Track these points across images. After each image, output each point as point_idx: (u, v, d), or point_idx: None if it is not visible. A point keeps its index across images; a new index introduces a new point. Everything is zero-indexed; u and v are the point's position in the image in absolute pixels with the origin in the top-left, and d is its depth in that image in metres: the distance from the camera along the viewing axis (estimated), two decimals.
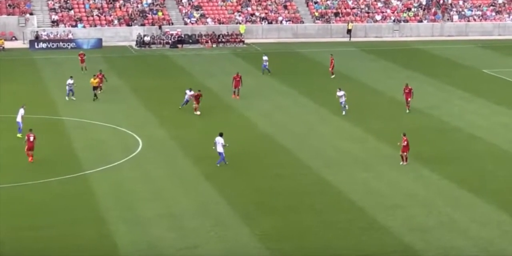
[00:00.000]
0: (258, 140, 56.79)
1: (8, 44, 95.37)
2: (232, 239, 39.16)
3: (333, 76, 78.63)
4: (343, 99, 63.40)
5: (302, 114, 64.32)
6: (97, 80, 67.99)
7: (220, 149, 49.75)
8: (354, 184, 47.03)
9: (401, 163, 50.23)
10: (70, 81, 67.84)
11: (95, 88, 67.77)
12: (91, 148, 54.24)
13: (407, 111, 63.83)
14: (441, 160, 51.91)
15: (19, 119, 56.11)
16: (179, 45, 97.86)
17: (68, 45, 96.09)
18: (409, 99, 64.06)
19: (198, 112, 62.80)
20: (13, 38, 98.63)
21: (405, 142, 49.95)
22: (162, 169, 50.14)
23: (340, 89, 63.94)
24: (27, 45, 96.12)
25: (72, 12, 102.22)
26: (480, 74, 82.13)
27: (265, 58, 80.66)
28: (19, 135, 55.25)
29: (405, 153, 50.34)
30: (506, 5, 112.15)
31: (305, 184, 47.05)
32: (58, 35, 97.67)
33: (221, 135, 50.08)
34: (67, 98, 67.64)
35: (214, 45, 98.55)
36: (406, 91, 64.37)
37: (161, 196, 45.23)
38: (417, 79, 78.73)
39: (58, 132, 57.86)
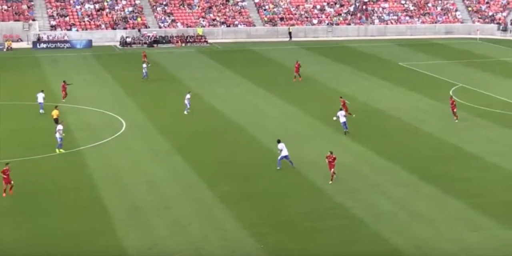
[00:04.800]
0: (219, 121, 56.63)
1: (15, 45, 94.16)
2: (199, 201, 39.13)
3: (149, 65, 74.75)
4: (187, 102, 57.71)
5: (254, 100, 64.19)
6: (56, 112, 52.85)
7: (284, 153, 44.14)
8: (297, 156, 47.04)
9: (330, 182, 41.64)
10: (40, 94, 58.22)
11: (56, 120, 51.95)
12: (84, 129, 53.78)
13: (456, 120, 55.79)
14: (366, 135, 52.14)
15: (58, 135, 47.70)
16: (155, 45, 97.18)
17: (64, 45, 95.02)
18: (455, 110, 55.84)
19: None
20: (19, 40, 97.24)
21: (333, 160, 41.59)
22: (142, 145, 49.88)
23: (189, 92, 59.09)
24: (30, 46, 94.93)
25: (67, 18, 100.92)
26: (396, 66, 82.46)
27: (144, 65, 73.09)
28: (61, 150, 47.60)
29: (332, 170, 41.62)
30: (416, 11, 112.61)
31: (257, 157, 47.05)
32: (56, 37, 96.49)
33: (278, 141, 44.80)
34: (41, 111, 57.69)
35: (183, 44, 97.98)
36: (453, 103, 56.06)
37: (141, 167, 45.02)
38: (346, 70, 79.05)
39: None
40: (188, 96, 58.54)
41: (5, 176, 38.97)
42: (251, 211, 37.67)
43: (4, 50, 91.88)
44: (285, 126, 55.06)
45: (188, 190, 40.76)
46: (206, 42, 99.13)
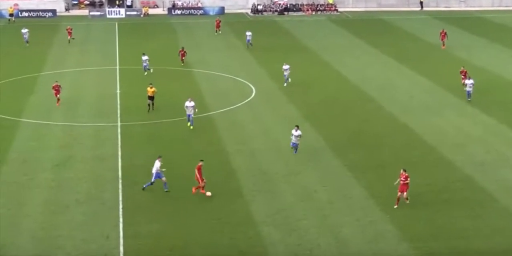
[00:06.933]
0: (347, 90, 56.13)
1: (151, 11, 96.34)
2: (327, 168, 39.04)
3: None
4: (287, 72, 56.33)
5: (384, 69, 63.25)
6: (153, 89, 49.21)
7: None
8: (425, 127, 46.19)
9: (395, 206, 34.05)
10: (144, 57, 60.18)
11: (150, 97, 49.20)
12: (215, 94, 54.45)
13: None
14: (497, 107, 50.48)
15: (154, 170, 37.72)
16: (285, 13, 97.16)
17: (198, 12, 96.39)
18: (464, 81, 53.32)
19: None
20: (155, 6, 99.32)
21: (406, 179, 33.93)
22: (270, 111, 50.08)
23: (286, 64, 57.02)
24: (166, 12, 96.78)
25: None
26: None
27: (248, 33, 72.46)
28: None
29: (404, 194, 34.04)
30: None
31: (385, 127, 46.44)
32: (190, 4, 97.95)
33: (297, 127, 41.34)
34: (145, 73, 59.88)
35: (314, 13, 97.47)
36: (463, 74, 54.85)
37: (269, 133, 45.27)
38: (479, 42, 76.65)
39: (189, 81, 58.22)
40: (286, 67, 56.89)
41: (198, 175, 35.33)
42: (377, 181, 37.28)
43: (141, 16, 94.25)
44: (414, 96, 54.02)
45: (316, 157, 40.69)
46: (337, 10, 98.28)
